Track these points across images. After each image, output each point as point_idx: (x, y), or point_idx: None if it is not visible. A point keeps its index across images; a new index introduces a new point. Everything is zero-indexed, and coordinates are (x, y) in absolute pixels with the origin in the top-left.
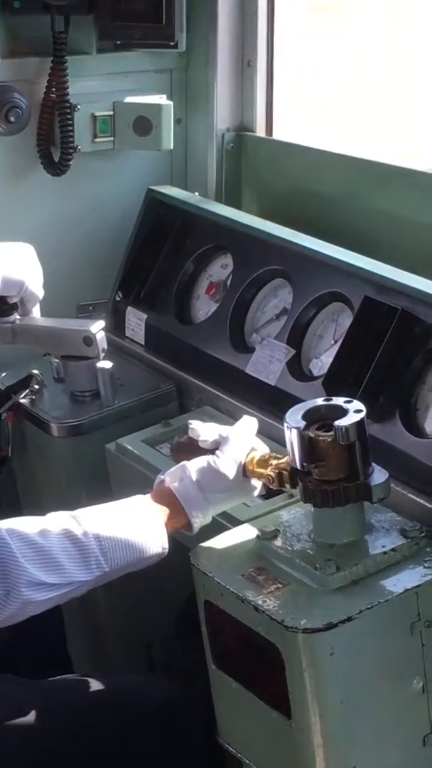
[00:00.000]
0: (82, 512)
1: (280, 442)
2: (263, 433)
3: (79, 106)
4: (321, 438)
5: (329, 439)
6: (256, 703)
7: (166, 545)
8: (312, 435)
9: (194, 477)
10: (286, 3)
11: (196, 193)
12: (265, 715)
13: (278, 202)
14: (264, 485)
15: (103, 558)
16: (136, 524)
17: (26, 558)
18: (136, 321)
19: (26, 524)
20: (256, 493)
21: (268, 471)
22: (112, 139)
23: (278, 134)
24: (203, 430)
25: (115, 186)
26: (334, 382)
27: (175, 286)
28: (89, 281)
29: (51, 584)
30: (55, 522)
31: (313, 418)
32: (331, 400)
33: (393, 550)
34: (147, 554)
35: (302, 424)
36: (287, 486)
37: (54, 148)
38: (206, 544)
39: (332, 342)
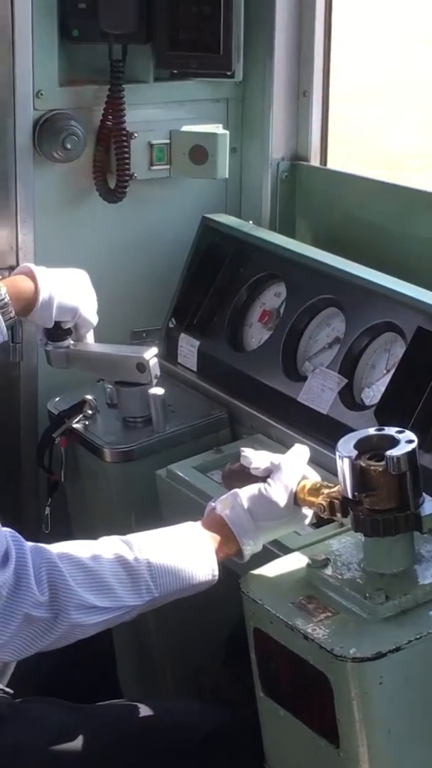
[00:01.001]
0: (133, 537)
1: (332, 471)
2: (315, 461)
3: (135, 134)
4: (372, 467)
5: (380, 469)
6: (304, 731)
7: (217, 572)
8: (363, 464)
9: (246, 505)
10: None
11: (251, 222)
12: (313, 744)
13: (332, 231)
14: (315, 514)
15: (153, 583)
16: (187, 551)
17: (76, 581)
18: (188, 348)
19: (77, 548)
20: (307, 521)
21: (320, 500)
22: (168, 167)
23: (333, 164)
24: (255, 457)
25: (170, 213)
26: (385, 412)
27: (228, 314)
28: (143, 308)
29: (100, 608)
30: (107, 546)
31: (365, 447)
32: (383, 429)
33: None
34: (197, 581)
35: (354, 453)
36: (338, 515)
37: (110, 176)
38: (257, 571)
39: (384, 371)
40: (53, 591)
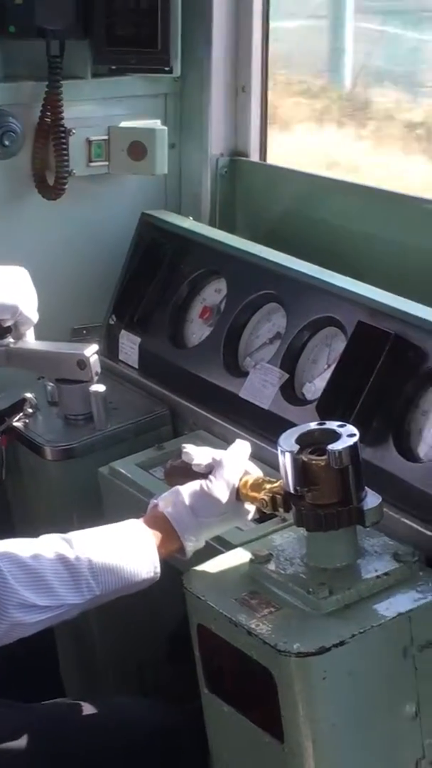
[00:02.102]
0: (74, 535)
1: (274, 466)
2: (256, 456)
3: (73, 131)
4: (314, 462)
5: (322, 463)
6: (248, 727)
7: (159, 570)
8: (305, 459)
9: (187, 501)
10: None
11: (190, 218)
12: (258, 739)
13: (272, 226)
14: (257, 509)
15: (94, 581)
16: (129, 548)
17: (17, 579)
18: (129, 345)
19: (17, 546)
20: (249, 517)
21: (262, 495)
22: (106, 163)
23: (272, 159)
24: (197, 453)
25: (109, 210)
26: (327, 407)
27: (169, 310)
28: (83, 305)
29: (41, 606)
30: (47, 544)
31: (307, 442)
32: (325, 424)
33: (386, 574)
34: (139, 578)
35: (295, 448)
36: (280, 510)
37: (49, 172)
38: (199, 567)
39: (326, 366)
40: None
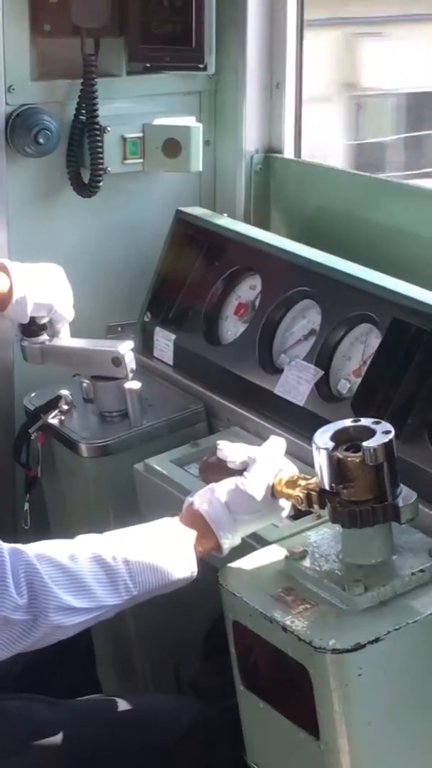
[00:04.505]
0: (110, 535)
1: (309, 463)
2: (291, 453)
3: (108, 128)
4: (349, 459)
5: (357, 460)
6: (284, 723)
7: (195, 569)
8: (340, 456)
9: (223, 499)
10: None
11: (225, 215)
12: (294, 736)
13: (306, 223)
14: (292, 506)
15: (131, 582)
16: (165, 548)
17: (55, 583)
18: (164, 341)
19: (55, 548)
20: (284, 514)
21: (297, 492)
22: (141, 160)
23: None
24: (231, 450)
25: (144, 207)
26: (362, 403)
27: (204, 307)
28: (118, 302)
29: (80, 609)
30: (84, 546)
31: (342, 439)
32: (359, 421)
33: (421, 570)
34: (175, 578)
35: (330, 445)
36: (315, 507)
37: (84, 170)
38: (234, 564)
39: (361, 363)
40: (32, 593)
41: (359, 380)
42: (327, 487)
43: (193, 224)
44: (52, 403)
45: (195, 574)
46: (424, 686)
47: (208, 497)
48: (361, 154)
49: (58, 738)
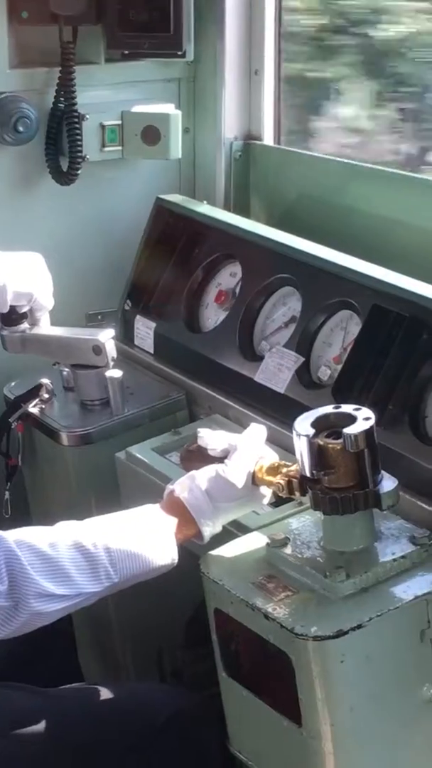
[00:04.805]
0: (91, 522)
1: (289, 450)
2: (272, 441)
3: (87, 116)
4: (330, 446)
5: (338, 447)
6: (266, 711)
7: (176, 556)
8: (321, 443)
9: (204, 486)
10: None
11: (205, 202)
12: (276, 723)
13: (286, 210)
14: (273, 493)
15: (112, 569)
16: (146, 535)
17: (35, 569)
18: (145, 329)
19: (35, 535)
20: (265, 501)
21: (278, 479)
22: (120, 148)
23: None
24: (212, 438)
25: (123, 195)
26: (342, 390)
27: (184, 295)
28: (98, 290)
29: (60, 595)
30: (65, 532)
31: (322, 425)
32: (340, 407)
33: (403, 557)
34: (156, 565)
35: (311, 431)
36: (297, 494)
37: (62, 158)
38: (216, 552)
39: (341, 349)
40: (12, 580)
41: (340, 367)
42: (308, 474)
43: (172, 212)
44: (33, 392)
45: (176, 561)
46: (406, 672)
47: (189, 485)
48: None
49: (39, 726)
